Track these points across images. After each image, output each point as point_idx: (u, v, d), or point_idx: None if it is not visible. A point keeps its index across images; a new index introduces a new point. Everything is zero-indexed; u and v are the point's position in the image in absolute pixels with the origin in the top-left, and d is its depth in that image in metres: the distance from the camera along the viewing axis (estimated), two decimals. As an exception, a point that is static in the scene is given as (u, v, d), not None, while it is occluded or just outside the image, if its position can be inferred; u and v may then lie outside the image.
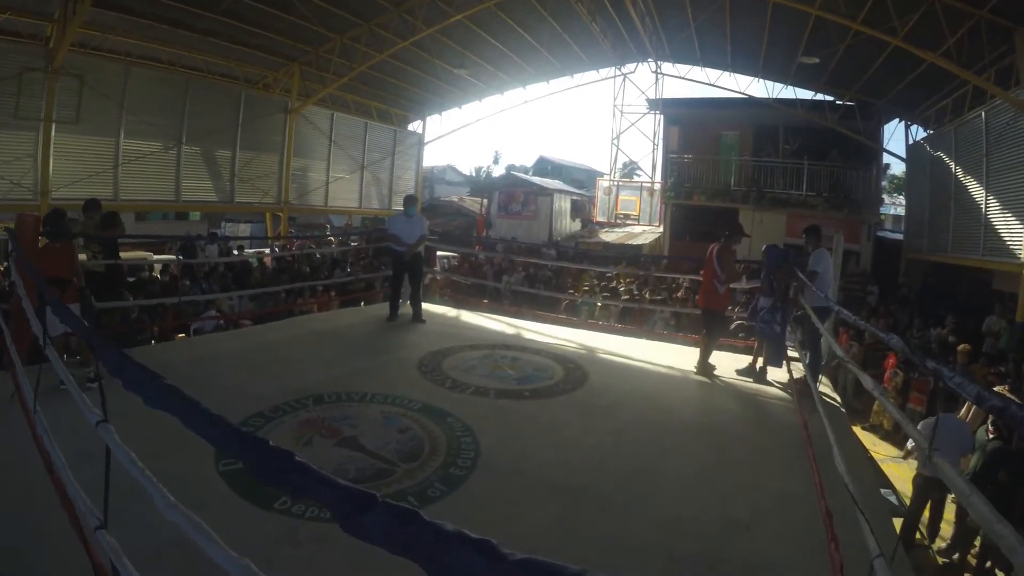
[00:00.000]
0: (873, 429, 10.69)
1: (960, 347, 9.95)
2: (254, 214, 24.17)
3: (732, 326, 9.42)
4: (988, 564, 6.38)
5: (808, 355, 6.00)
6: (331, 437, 4.34)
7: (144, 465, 1.92)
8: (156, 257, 14.66)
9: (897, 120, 19.13)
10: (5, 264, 9.14)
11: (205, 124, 15.90)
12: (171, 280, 11.34)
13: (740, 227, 7.07)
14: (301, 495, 1.05)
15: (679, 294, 12.76)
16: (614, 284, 13.85)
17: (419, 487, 3.74)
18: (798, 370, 6.10)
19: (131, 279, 11.03)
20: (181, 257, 12.76)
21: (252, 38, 15.56)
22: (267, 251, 16.46)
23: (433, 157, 54.35)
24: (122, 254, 14.02)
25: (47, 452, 2.76)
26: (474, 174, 51.70)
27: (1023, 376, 8.98)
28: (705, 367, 6.70)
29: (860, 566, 2.31)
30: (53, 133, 12.44)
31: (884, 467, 8.79)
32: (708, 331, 6.81)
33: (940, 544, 7.11)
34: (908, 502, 7.13)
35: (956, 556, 6.78)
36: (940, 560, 6.87)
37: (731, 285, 7.23)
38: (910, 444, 8.51)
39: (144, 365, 1.54)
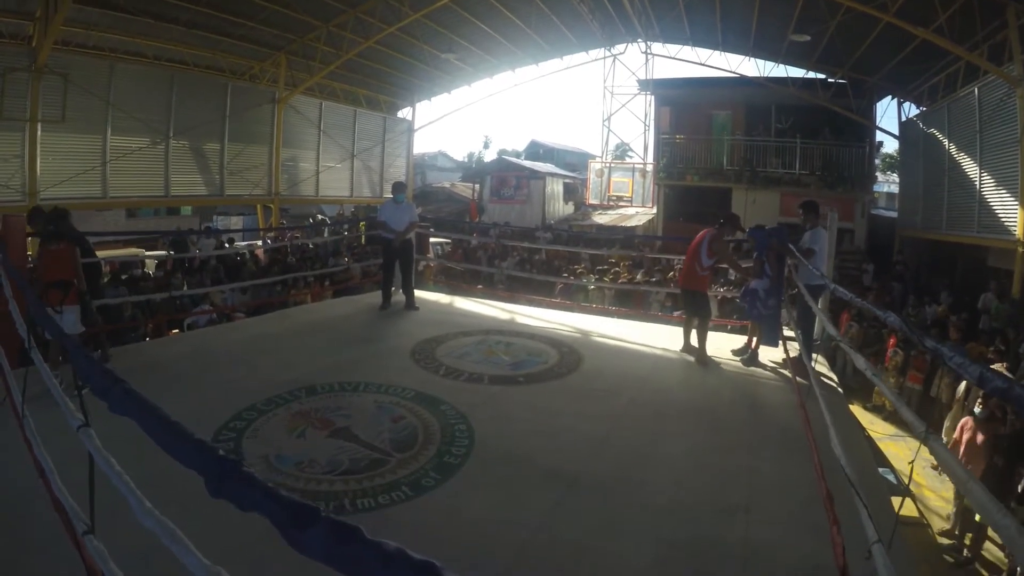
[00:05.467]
0: (875, 409, 10.70)
1: (953, 325, 9.95)
2: (245, 206, 24.05)
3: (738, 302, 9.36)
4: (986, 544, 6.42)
5: (800, 334, 5.97)
6: (324, 428, 4.31)
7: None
8: (148, 253, 14.59)
9: (890, 97, 19.07)
10: None
11: (192, 117, 15.76)
12: (164, 276, 11.30)
13: (736, 219, 6.90)
14: (246, 508, 1.01)
15: (672, 275, 12.72)
16: (615, 269, 13.77)
17: (413, 476, 3.72)
18: (794, 349, 6.07)
19: (124, 276, 10.99)
20: (172, 252, 12.71)
21: (236, 29, 15.42)
22: (259, 243, 16.38)
23: (424, 143, 54.26)
24: (115, 252, 14.08)
25: (37, 456, 2.73)
26: (466, 160, 51.49)
27: (1020, 355, 8.98)
28: (702, 356, 6.48)
29: (863, 548, 2.28)
30: (39, 133, 12.30)
31: (882, 446, 8.81)
32: (696, 314, 6.67)
33: (943, 525, 7.13)
34: (907, 481, 7.15)
35: (956, 532, 6.80)
36: (940, 540, 6.89)
37: (723, 265, 7.19)
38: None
39: (110, 370, 1.50)
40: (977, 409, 6.90)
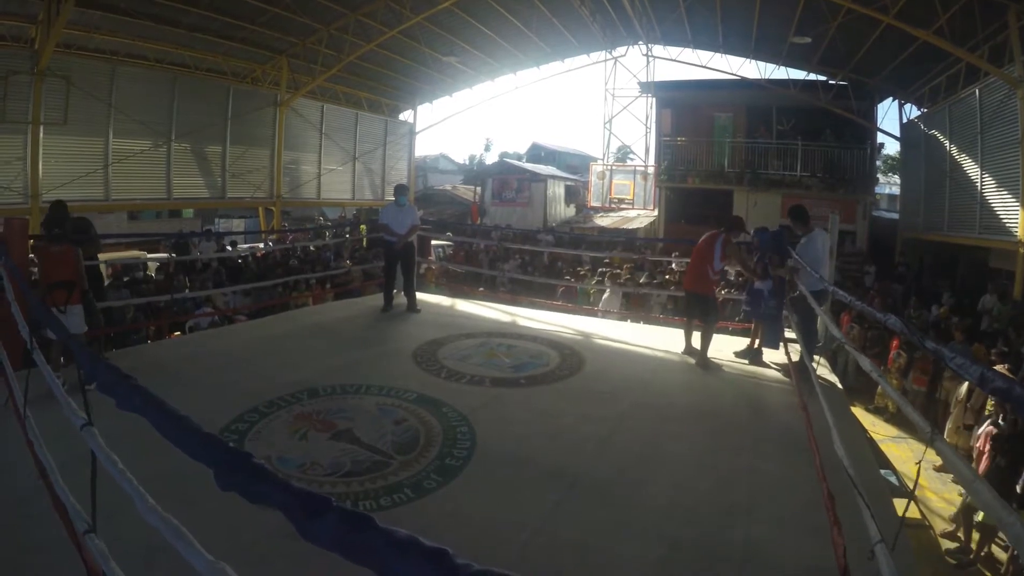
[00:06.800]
0: (877, 411, 10.68)
1: (957, 327, 9.93)
2: (247, 209, 24.07)
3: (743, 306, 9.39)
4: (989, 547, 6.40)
5: (802, 336, 5.96)
6: (326, 431, 4.31)
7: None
8: (150, 256, 14.60)
9: (891, 99, 19.07)
10: None
11: (194, 120, 15.81)
12: (166, 278, 11.30)
13: (741, 221, 6.91)
14: (257, 499, 1.02)
15: (668, 277, 12.71)
16: (616, 271, 13.75)
17: (415, 479, 3.72)
18: (796, 352, 6.07)
19: (126, 278, 11.00)
20: (174, 255, 12.71)
21: (238, 32, 15.47)
22: (260, 245, 16.38)
23: (425, 146, 54.35)
24: (117, 254, 14.09)
25: (39, 456, 2.74)
26: (467, 162, 51.53)
27: (1022, 355, 8.96)
28: (704, 359, 6.45)
29: (864, 549, 2.28)
30: (41, 135, 12.34)
31: (884, 447, 8.80)
32: (704, 316, 6.63)
33: (945, 526, 7.11)
34: (909, 483, 7.12)
35: (959, 534, 6.77)
36: (943, 543, 6.85)
37: (729, 267, 7.19)
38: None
39: (116, 368, 1.51)
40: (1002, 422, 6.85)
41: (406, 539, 0.80)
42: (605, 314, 9.92)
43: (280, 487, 0.96)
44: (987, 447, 6.99)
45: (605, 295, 11.24)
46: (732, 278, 11.25)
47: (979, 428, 7.45)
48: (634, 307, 11.29)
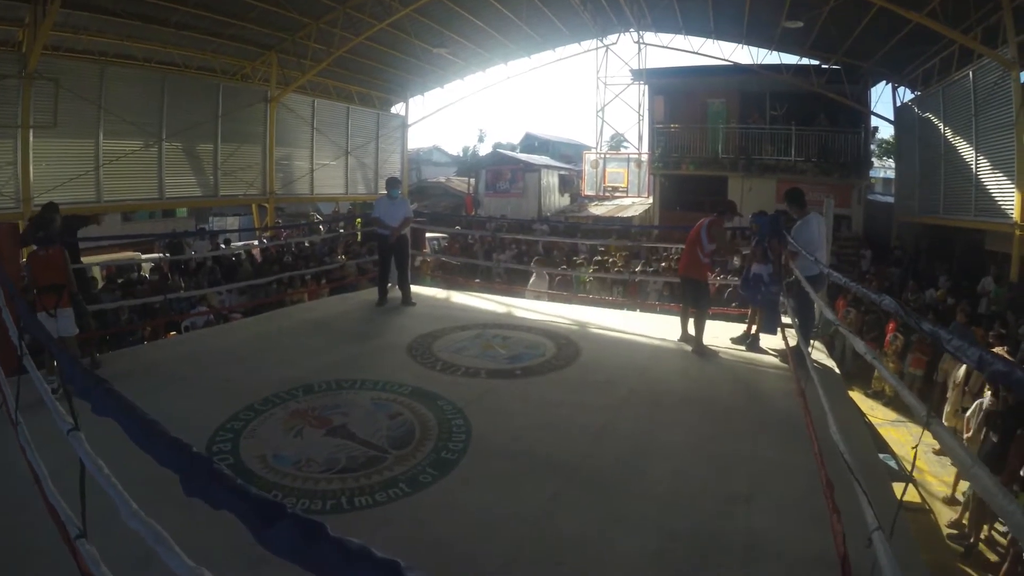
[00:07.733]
0: (876, 395, 10.69)
1: (959, 309, 9.92)
2: (241, 207, 23.97)
3: (726, 294, 9.37)
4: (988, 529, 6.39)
5: (799, 322, 5.94)
6: (321, 427, 4.29)
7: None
8: (144, 256, 14.55)
9: (884, 82, 19.02)
10: None
11: (185, 119, 15.68)
12: (160, 279, 11.26)
13: (733, 205, 6.94)
14: (217, 505, 1.00)
15: (665, 264, 12.71)
16: (611, 259, 13.75)
17: (411, 473, 3.70)
18: (793, 337, 6.05)
19: (120, 280, 10.96)
20: (168, 255, 12.67)
21: (226, 29, 15.35)
22: (255, 243, 16.33)
23: (418, 139, 54.14)
24: (111, 256, 14.05)
25: (31, 462, 2.72)
26: (461, 154, 51.30)
27: (1020, 337, 8.97)
28: (700, 345, 6.43)
29: (864, 535, 2.26)
30: (31, 139, 12.24)
31: (883, 431, 8.81)
32: (696, 302, 6.62)
33: (946, 510, 7.11)
34: (908, 466, 7.12)
35: (964, 521, 6.75)
36: (946, 529, 6.84)
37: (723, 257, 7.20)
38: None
39: (92, 372, 1.49)
40: None
41: (358, 549, 0.78)
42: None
43: (236, 493, 0.94)
44: (970, 430, 6.98)
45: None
46: (736, 264, 11.23)
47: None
48: (631, 295, 11.31)
